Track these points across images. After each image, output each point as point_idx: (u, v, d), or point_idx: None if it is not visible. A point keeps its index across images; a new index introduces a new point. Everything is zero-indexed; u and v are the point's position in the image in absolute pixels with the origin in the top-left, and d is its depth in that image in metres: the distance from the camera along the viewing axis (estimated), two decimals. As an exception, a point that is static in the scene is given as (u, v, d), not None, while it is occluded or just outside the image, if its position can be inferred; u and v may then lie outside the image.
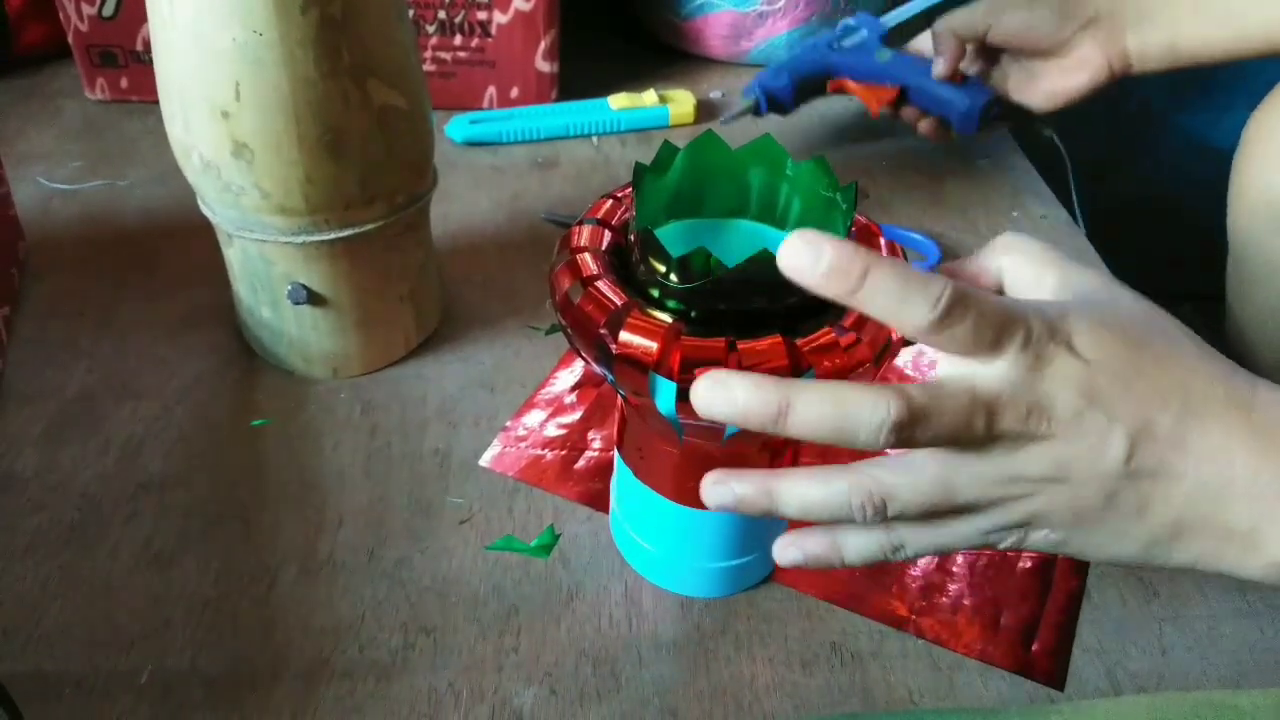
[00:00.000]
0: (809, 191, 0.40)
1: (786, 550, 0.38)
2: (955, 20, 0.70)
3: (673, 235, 0.41)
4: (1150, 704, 0.31)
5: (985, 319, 0.31)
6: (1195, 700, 0.30)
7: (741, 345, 0.34)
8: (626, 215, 0.40)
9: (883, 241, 0.39)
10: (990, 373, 0.32)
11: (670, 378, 0.34)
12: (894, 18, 0.80)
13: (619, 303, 0.36)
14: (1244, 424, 0.33)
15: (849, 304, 0.32)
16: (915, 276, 0.31)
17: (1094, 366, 0.32)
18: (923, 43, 0.75)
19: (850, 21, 0.78)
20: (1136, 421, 0.32)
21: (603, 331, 0.35)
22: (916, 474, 0.34)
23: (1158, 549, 0.34)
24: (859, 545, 0.36)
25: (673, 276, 0.35)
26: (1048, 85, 0.70)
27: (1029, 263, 0.37)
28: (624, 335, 0.35)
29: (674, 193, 0.41)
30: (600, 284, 0.36)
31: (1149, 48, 0.66)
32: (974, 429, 0.32)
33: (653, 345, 0.34)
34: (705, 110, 0.88)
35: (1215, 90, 1.24)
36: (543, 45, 0.83)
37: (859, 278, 0.31)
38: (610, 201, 0.41)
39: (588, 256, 0.38)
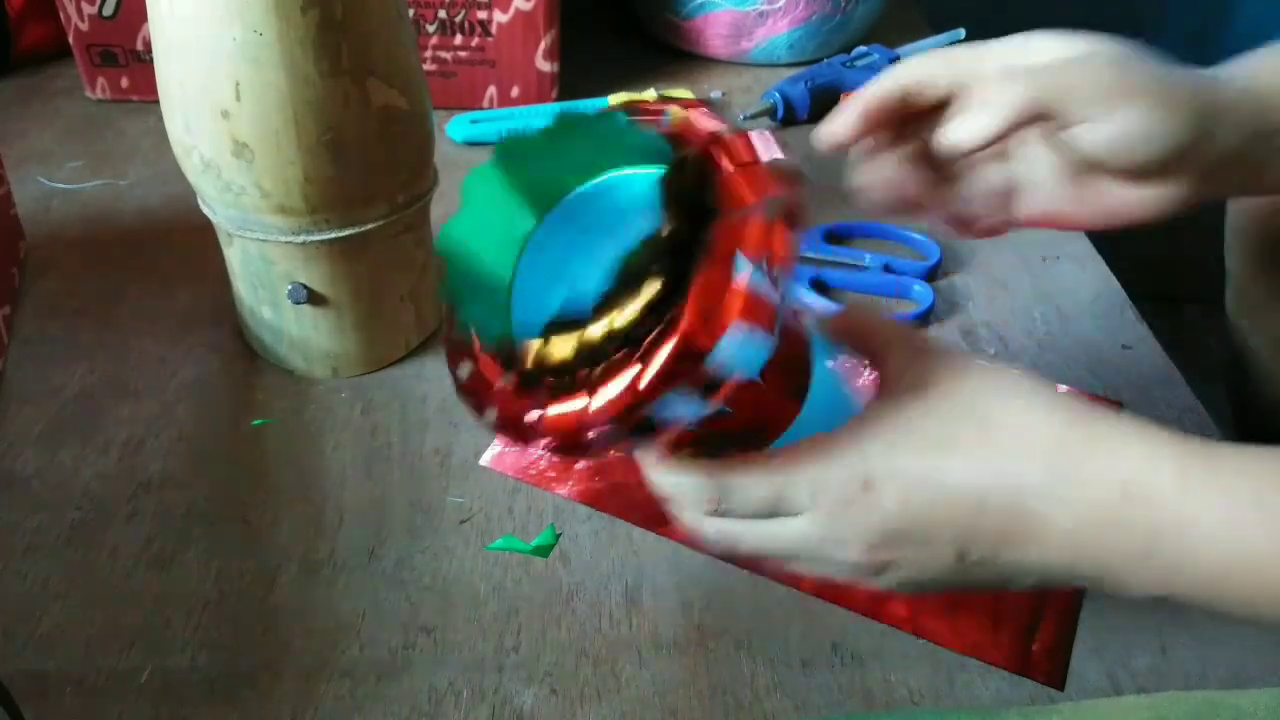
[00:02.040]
0: (612, 150, 0.34)
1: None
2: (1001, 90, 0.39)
3: (550, 249, 0.36)
4: (1150, 704, 0.31)
5: (756, 489, 0.35)
6: (1195, 700, 0.30)
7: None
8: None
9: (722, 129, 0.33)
10: (788, 529, 0.36)
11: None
12: (907, 51, 0.92)
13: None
14: (1067, 498, 0.33)
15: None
16: (689, 473, 0.36)
17: (895, 515, 0.34)
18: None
19: (863, 49, 0.89)
20: (959, 533, 0.34)
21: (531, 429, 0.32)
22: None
23: (1044, 583, 0.36)
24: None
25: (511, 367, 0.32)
26: (1110, 201, 0.43)
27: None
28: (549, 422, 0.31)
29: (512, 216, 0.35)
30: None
31: None
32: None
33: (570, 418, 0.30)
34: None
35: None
36: (543, 45, 0.82)
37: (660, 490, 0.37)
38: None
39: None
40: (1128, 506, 0.33)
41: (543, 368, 0.32)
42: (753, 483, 0.35)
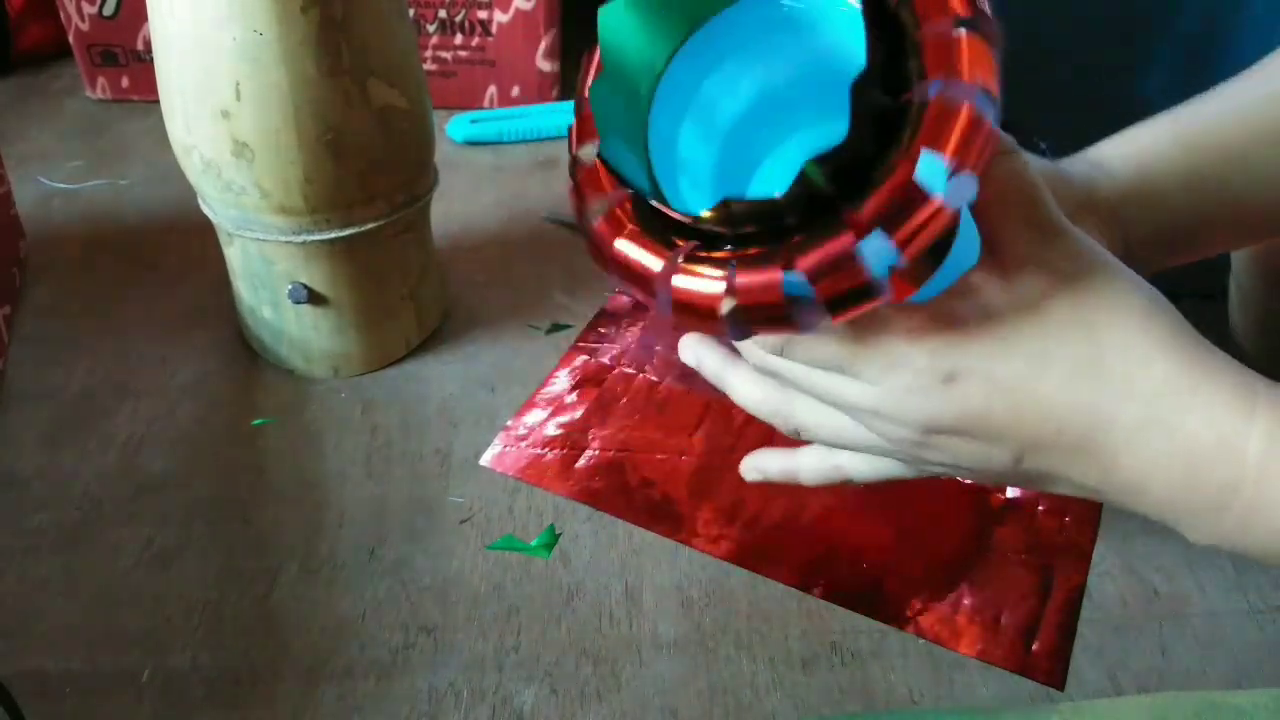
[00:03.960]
0: None
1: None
2: None
3: (683, 78, 0.32)
4: (1150, 704, 0.31)
5: (824, 346, 0.33)
6: (1195, 700, 0.30)
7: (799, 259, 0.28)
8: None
9: None
10: (849, 388, 0.34)
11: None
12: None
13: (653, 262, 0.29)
14: (1155, 446, 0.32)
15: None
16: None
17: (974, 413, 0.33)
18: None
19: None
20: (1026, 443, 0.33)
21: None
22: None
23: (1086, 496, 0.35)
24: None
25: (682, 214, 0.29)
26: None
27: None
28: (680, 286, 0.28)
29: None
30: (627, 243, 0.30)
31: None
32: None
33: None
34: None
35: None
36: (543, 44, 0.82)
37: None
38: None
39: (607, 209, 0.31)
40: (1209, 465, 0.31)
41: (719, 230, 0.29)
42: (822, 342, 0.33)
